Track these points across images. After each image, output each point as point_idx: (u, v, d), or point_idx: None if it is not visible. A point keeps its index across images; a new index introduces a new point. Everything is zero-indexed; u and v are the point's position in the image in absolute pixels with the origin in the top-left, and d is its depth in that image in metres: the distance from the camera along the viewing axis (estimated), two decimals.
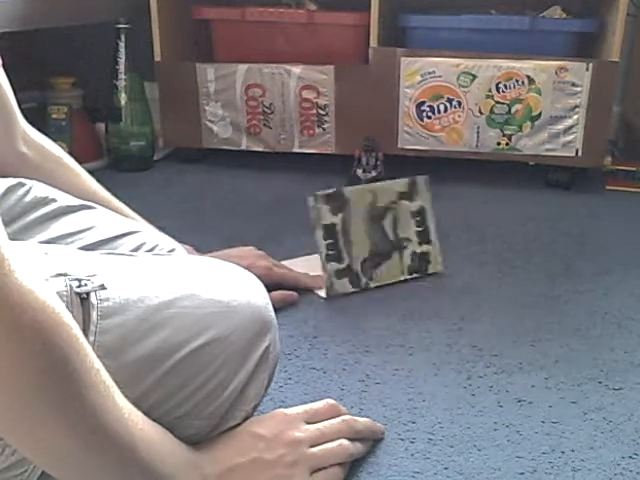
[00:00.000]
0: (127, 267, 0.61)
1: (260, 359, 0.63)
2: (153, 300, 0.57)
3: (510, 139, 1.57)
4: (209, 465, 0.60)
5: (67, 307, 0.47)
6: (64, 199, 0.82)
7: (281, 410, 0.68)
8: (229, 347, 0.60)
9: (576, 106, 1.52)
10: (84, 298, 0.52)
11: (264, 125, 1.69)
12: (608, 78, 1.50)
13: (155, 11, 1.67)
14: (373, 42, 1.58)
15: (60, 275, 0.53)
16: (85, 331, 0.51)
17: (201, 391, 0.58)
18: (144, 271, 0.61)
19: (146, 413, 0.54)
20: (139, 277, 0.59)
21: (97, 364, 0.48)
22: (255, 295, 0.66)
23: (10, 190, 0.78)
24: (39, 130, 0.87)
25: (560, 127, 1.54)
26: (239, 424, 0.64)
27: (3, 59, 0.77)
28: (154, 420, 0.55)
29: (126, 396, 0.51)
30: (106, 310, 0.53)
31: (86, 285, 0.53)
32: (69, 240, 0.79)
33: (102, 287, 0.54)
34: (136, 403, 0.53)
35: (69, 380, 0.45)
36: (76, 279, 0.53)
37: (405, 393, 0.81)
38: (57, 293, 0.49)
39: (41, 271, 0.51)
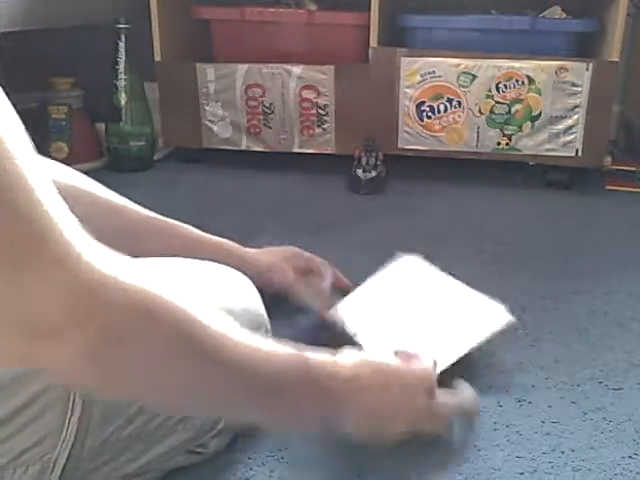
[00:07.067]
0: None
1: None
2: None
3: (510, 139, 1.57)
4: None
5: None
6: None
7: None
8: None
9: (576, 106, 1.52)
10: None
11: (264, 125, 1.69)
12: (608, 78, 1.50)
13: (155, 11, 1.67)
14: (373, 42, 1.58)
15: None
16: None
17: None
18: None
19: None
20: None
21: (212, 315, 0.51)
22: (250, 299, 0.67)
23: None
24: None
25: (560, 127, 1.54)
26: None
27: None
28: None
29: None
30: None
31: None
32: None
33: None
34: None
35: (200, 344, 0.50)
36: None
37: None
38: None
39: None
